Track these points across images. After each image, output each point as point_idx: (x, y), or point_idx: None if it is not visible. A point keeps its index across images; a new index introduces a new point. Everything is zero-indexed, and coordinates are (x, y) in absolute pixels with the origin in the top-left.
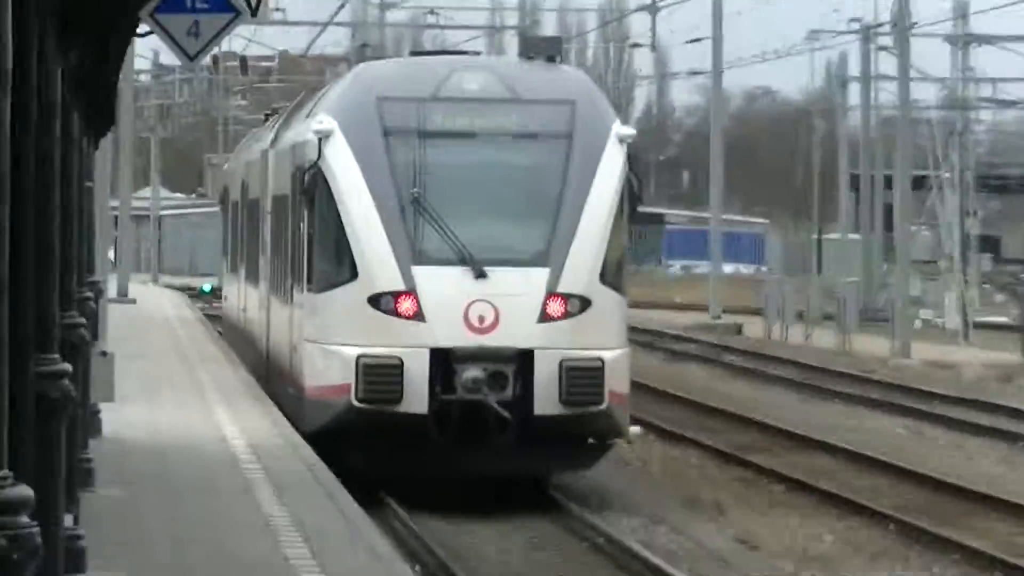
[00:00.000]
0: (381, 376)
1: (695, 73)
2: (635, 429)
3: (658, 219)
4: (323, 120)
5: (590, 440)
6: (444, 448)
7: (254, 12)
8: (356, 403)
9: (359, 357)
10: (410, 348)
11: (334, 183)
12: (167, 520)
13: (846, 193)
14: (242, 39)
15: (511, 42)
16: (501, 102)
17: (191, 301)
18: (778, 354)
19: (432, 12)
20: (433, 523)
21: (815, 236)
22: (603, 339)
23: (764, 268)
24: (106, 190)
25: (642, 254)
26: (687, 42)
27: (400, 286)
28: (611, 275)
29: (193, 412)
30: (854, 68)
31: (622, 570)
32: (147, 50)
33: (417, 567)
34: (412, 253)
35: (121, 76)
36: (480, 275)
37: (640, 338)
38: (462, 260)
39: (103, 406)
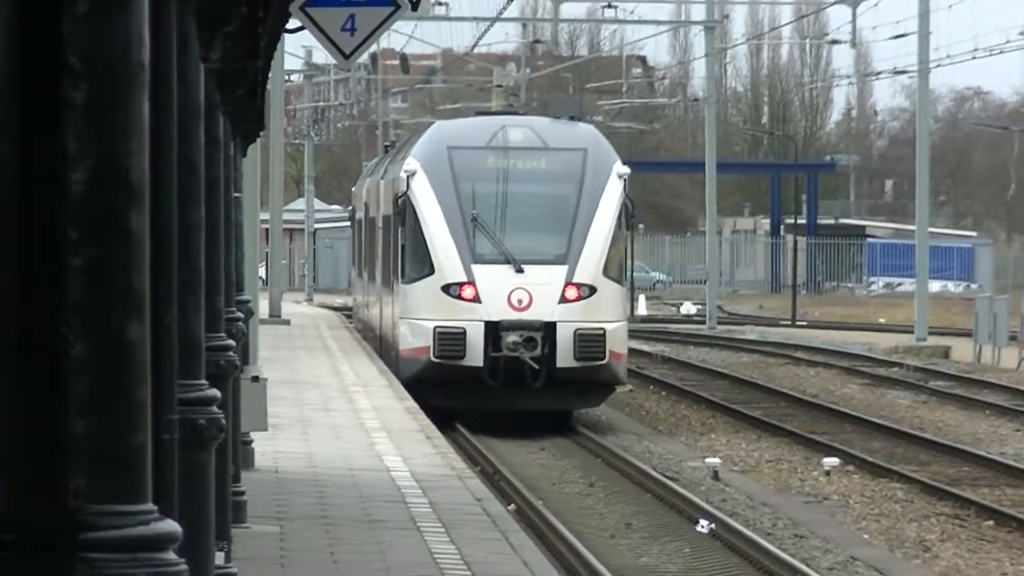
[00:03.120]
0: (450, 341)
1: (899, 72)
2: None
3: (858, 232)
4: (411, 163)
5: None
6: (494, 390)
7: (415, 6)
8: (434, 359)
9: (436, 328)
10: (470, 321)
11: (418, 207)
12: (325, 558)
13: None
14: (402, 35)
15: (697, 39)
16: (534, 149)
17: (348, 321)
18: (989, 379)
19: (610, 6)
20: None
21: None
22: (605, 315)
23: (974, 285)
24: (256, 201)
25: (841, 271)
26: (891, 38)
27: (463, 278)
28: (612, 270)
29: (352, 441)
30: None
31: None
32: (299, 48)
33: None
34: (472, 255)
35: (271, 76)
36: (519, 270)
37: (839, 362)
38: (506, 260)
39: (255, 435)
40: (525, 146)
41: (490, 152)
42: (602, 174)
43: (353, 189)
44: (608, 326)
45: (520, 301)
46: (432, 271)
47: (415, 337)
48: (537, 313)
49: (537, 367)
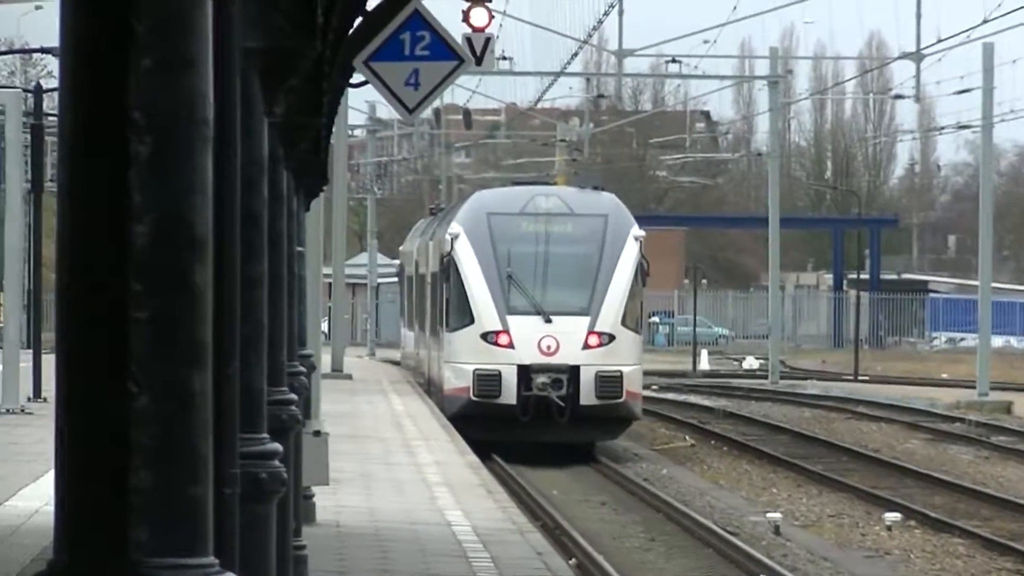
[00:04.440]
0: (488, 381)
1: (963, 127)
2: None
3: (921, 287)
4: (455, 227)
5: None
6: (526, 425)
7: (479, 61)
8: (473, 398)
9: (475, 370)
10: (505, 364)
11: (460, 265)
12: None
13: None
14: (466, 90)
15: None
16: (562, 215)
17: (410, 375)
18: None
19: (674, 60)
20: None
21: None
22: (623, 359)
23: None
24: (319, 255)
25: (904, 326)
26: (954, 93)
27: (499, 327)
28: (629, 321)
29: (414, 497)
30: None
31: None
32: (363, 103)
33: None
34: (507, 307)
35: (334, 131)
36: (547, 320)
37: (901, 417)
38: (537, 311)
39: (317, 490)
40: (554, 212)
41: (523, 218)
42: (621, 237)
43: (401, 248)
44: (625, 369)
45: (549, 347)
46: (472, 320)
47: (457, 378)
48: (563, 358)
49: (563, 405)
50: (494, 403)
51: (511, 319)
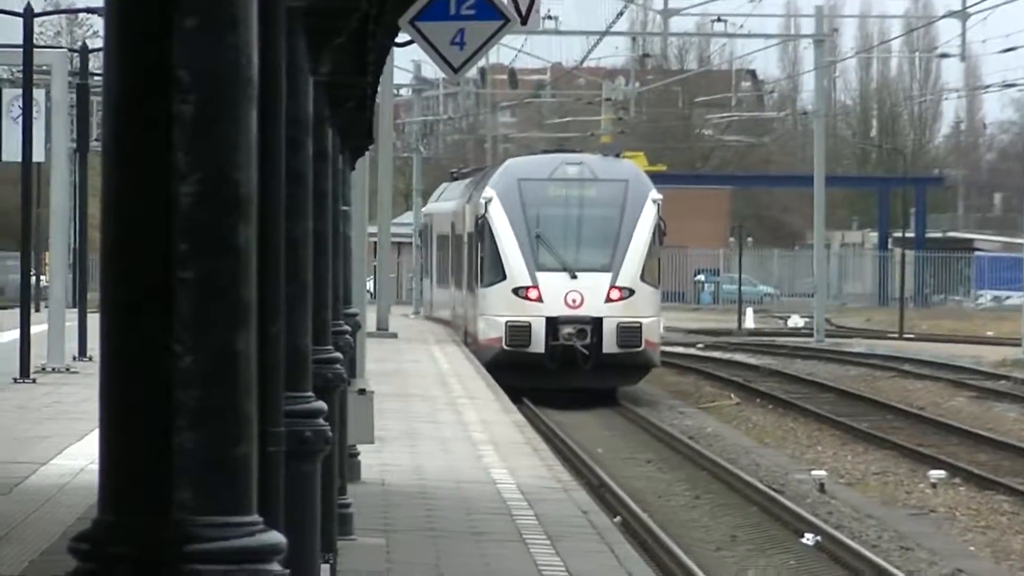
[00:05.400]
0: (519, 332)
1: (1009, 85)
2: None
3: (966, 246)
4: (488, 192)
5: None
6: (553, 372)
7: (524, 20)
8: (506, 347)
9: (507, 322)
10: (534, 316)
11: (494, 227)
12: (431, 570)
13: None
14: (511, 50)
15: (806, 52)
16: (587, 180)
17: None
18: None
19: (720, 19)
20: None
21: None
22: (642, 312)
23: None
24: (364, 214)
25: (949, 284)
26: (1000, 51)
27: (529, 283)
28: (648, 276)
29: (459, 454)
30: None
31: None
32: (408, 62)
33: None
34: (536, 264)
35: (380, 91)
36: (573, 276)
37: (946, 375)
38: (563, 268)
39: (362, 448)
40: (579, 178)
41: (551, 183)
42: (640, 200)
43: (423, 209)
44: (644, 320)
45: (574, 301)
46: (504, 277)
47: (491, 329)
48: (587, 310)
49: (587, 353)
50: (524, 352)
51: (540, 275)
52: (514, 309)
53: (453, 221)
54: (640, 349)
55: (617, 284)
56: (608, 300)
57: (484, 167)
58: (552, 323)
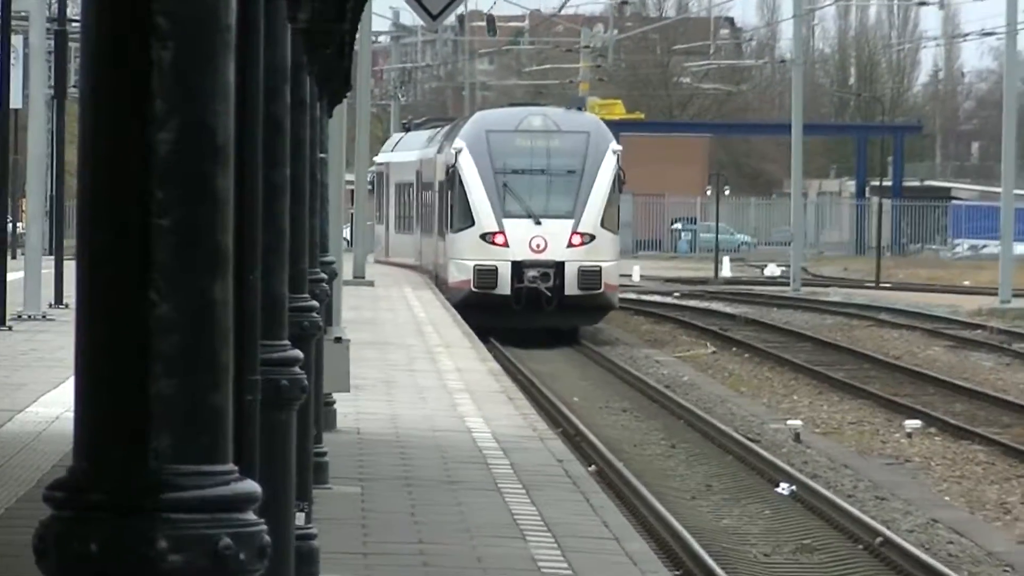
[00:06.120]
0: (486, 275)
1: (987, 34)
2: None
3: (944, 194)
4: (458, 142)
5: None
6: (518, 312)
7: None
8: (474, 289)
9: (475, 265)
10: (501, 260)
11: (463, 175)
12: (406, 518)
13: None
14: None
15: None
16: (550, 132)
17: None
18: None
19: None
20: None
21: None
22: (602, 256)
23: None
24: (341, 162)
25: (926, 233)
26: None
27: (496, 228)
28: (608, 223)
29: (434, 403)
30: None
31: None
32: (386, 9)
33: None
34: (502, 211)
35: (358, 37)
36: (537, 223)
37: (923, 325)
38: (528, 215)
39: (338, 396)
40: (543, 129)
41: (517, 134)
42: (601, 151)
43: (375, 158)
44: (604, 264)
45: (538, 245)
46: (473, 223)
47: (460, 272)
48: (550, 254)
49: (550, 295)
50: (491, 294)
51: (506, 221)
52: (482, 253)
53: (419, 170)
54: (600, 291)
55: (579, 230)
56: (570, 245)
57: (436, 117)
58: (517, 267)
